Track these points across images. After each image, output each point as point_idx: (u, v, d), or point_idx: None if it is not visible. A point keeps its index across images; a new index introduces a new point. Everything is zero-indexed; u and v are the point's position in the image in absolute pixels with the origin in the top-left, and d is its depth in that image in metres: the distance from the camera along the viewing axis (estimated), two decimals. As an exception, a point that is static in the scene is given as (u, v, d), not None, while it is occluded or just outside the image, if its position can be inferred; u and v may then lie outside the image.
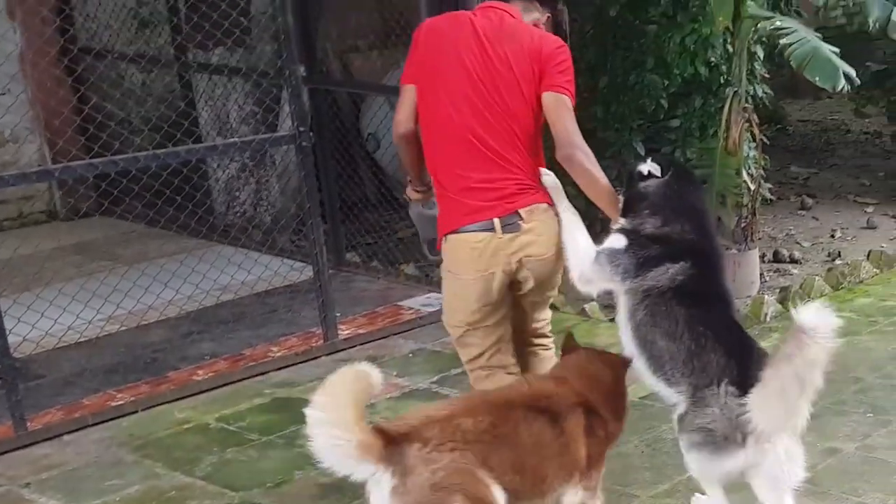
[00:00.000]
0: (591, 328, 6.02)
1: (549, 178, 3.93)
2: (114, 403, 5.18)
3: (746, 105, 6.52)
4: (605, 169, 6.05)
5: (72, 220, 8.08)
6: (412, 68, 3.92)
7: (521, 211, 3.84)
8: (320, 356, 5.66)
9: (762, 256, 7.28)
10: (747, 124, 6.55)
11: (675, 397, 3.74)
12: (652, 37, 6.98)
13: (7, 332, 4.78)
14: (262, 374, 5.48)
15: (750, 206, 6.66)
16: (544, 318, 4.25)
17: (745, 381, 3.57)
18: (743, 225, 6.67)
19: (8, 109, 6.85)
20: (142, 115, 7.64)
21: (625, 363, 3.76)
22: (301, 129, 5.53)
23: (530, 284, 3.96)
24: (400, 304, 6.33)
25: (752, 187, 6.68)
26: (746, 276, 6.69)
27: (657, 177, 3.88)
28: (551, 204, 3.93)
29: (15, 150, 7.77)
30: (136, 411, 5.14)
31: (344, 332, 5.85)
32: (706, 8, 6.52)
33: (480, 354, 4.01)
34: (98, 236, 7.77)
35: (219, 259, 6.48)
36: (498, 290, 3.90)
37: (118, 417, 5.09)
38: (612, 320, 6.13)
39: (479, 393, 3.87)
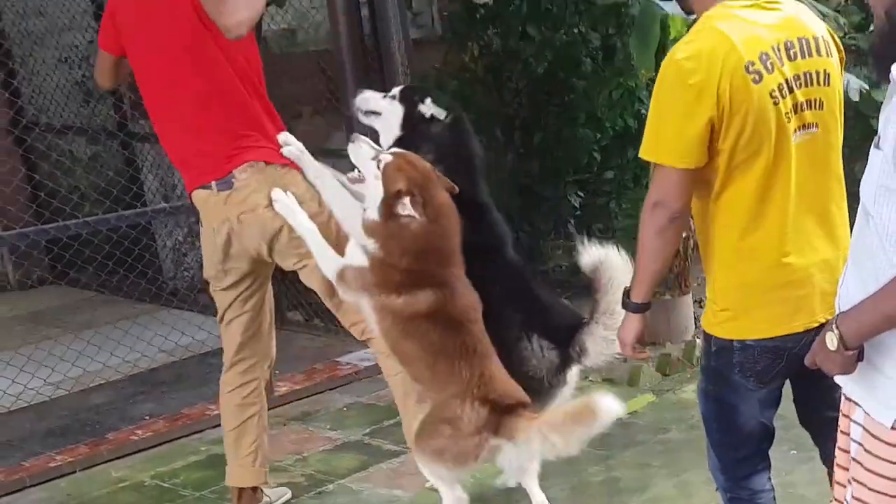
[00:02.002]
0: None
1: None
2: (53, 465, 5.29)
3: (675, 155, 6.69)
4: (541, 222, 6.23)
5: (23, 290, 8.20)
6: None
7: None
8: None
9: (697, 301, 7.42)
10: (679, 174, 6.70)
11: None
12: (582, 92, 7.19)
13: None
14: (199, 431, 5.59)
15: (682, 252, 6.82)
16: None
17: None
18: (676, 271, 6.82)
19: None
20: (90, 183, 7.80)
21: None
22: None
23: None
24: (338, 359, 6.46)
25: (684, 234, 6.83)
26: (680, 321, 6.83)
27: (439, 120, 4.18)
28: (269, 161, 4.17)
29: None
30: (75, 472, 5.25)
31: (280, 388, 5.96)
32: (630, 62, 6.74)
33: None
34: (49, 305, 7.90)
35: (163, 324, 6.66)
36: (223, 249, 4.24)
37: (57, 478, 5.20)
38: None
39: None
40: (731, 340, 3.17)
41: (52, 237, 5.64)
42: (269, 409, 5.75)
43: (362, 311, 4.09)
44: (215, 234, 4.27)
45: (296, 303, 7.33)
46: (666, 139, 3.02)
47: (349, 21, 5.83)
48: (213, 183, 4.17)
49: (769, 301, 3.11)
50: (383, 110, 4.47)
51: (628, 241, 6.74)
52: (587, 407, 3.77)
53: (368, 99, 4.54)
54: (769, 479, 3.44)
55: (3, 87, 7.71)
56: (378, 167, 3.83)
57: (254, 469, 4.54)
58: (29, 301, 8.00)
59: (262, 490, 4.61)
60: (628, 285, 3.30)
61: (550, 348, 4.38)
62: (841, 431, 2.70)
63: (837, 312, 2.53)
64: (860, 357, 2.48)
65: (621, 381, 6.27)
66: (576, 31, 7.14)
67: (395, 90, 4.50)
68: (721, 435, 3.39)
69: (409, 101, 4.42)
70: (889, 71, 2.42)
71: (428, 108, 4.16)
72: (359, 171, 3.95)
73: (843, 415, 2.67)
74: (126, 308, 7.34)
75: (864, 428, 2.54)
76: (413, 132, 4.29)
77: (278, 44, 8.41)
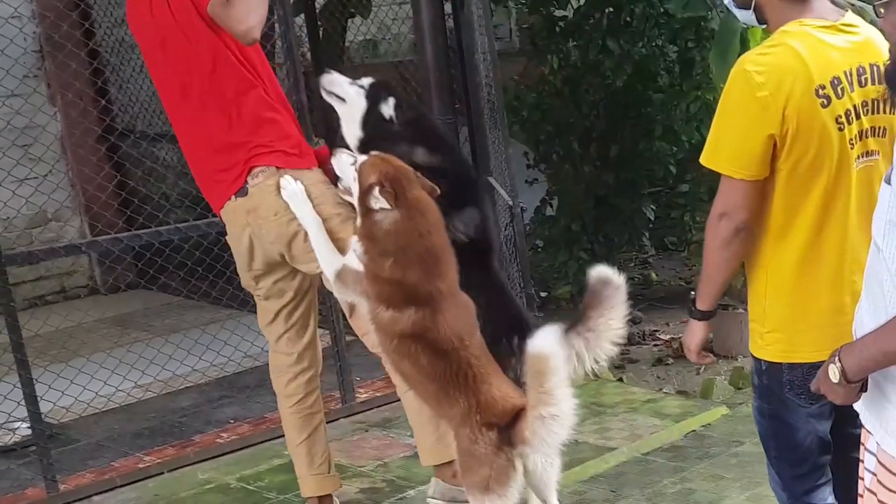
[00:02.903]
0: (598, 387, 6.20)
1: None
2: (141, 466, 5.44)
3: (751, 168, 6.72)
4: (616, 234, 6.27)
5: (111, 294, 8.42)
6: None
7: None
8: (339, 418, 5.87)
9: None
10: (752, 187, 6.73)
11: None
12: (659, 105, 7.25)
13: (40, 399, 5.09)
14: (282, 436, 5.68)
15: (756, 264, 6.83)
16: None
17: None
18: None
19: (51, 190, 7.27)
20: (181, 190, 7.99)
21: None
22: None
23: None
24: (418, 366, 6.53)
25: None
26: (755, 334, 6.85)
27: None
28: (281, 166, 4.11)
29: (58, 229, 8.14)
30: (162, 473, 5.38)
31: (362, 395, 6.09)
32: (709, 76, 6.77)
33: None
34: (136, 308, 8.09)
35: (249, 329, 6.71)
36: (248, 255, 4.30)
37: (145, 479, 5.34)
38: (621, 380, 6.37)
39: None
40: (781, 363, 3.20)
41: (144, 243, 5.80)
42: (352, 415, 5.93)
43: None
44: (238, 240, 4.30)
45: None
46: (726, 148, 3.06)
47: (434, 32, 5.93)
48: (233, 196, 4.19)
49: (820, 324, 3.12)
50: (348, 98, 4.33)
51: (700, 255, 6.84)
52: (533, 358, 3.59)
53: (335, 81, 4.37)
54: (830, 492, 3.42)
55: (98, 95, 7.88)
56: (354, 167, 3.80)
57: (330, 476, 4.64)
58: (117, 305, 8.21)
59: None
60: (694, 293, 3.32)
61: None
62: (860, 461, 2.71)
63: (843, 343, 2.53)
64: (864, 388, 2.52)
65: (694, 393, 6.33)
66: (654, 44, 7.19)
67: (365, 81, 4.34)
68: (779, 452, 3.40)
69: (375, 97, 4.30)
70: None
71: (388, 108, 4.11)
72: (344, 184, 3.92)
73: (860, 443, 2.68)
74: (212, 313, 7.49)
75: (877, 458, 2.55)
76: (374, 129, 4.22)
77: (360, 54, 8.54)
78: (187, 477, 5.35)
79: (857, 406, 2.61)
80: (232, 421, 5.95)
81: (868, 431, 2.60)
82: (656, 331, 7.42)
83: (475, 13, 5.57)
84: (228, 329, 6.71)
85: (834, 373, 2.49)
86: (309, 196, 4.07)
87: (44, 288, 8.29)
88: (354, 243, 3.82)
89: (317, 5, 7.42)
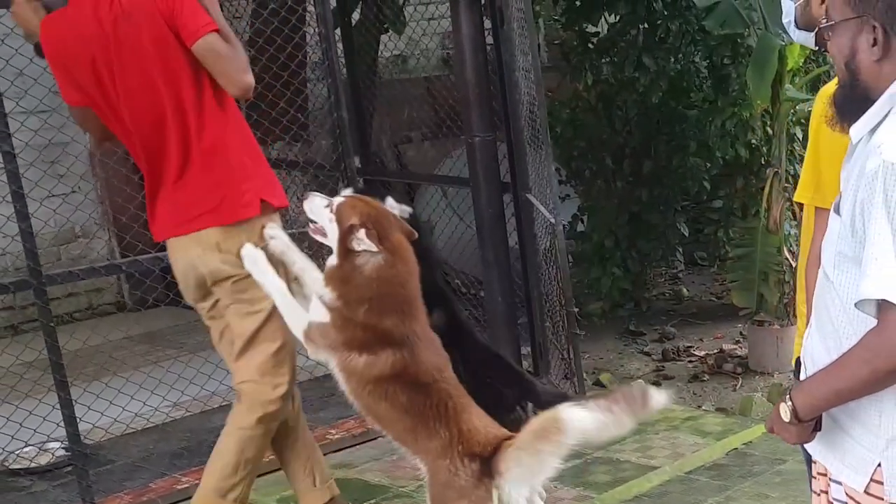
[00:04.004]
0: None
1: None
2: (179, 487, 5.37)
3: (787, 185, 6.71)
4: (649, 250, 6.17)
5: (139, 311, 8.38)
6: None
7: None
8: (377, 437, 5.80)
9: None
10: (788, 203, 6.73)
11: None
12: (693, 121, 7.23)
13: (78, 420, 5.04)
14: (323, 455, 5.67)
15: (792, 282, 6.81)
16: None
17: None
18: (785, 301, 6.82)
19: (78, 206, 7.23)
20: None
21: None
22: None
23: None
24: (454, 386, 6.50)
25: (794, 264, 6.83)
26: (789, 350, 6.81)
27: None
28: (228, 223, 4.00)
29: (84, 245, 8.10)
30: (201, 494, 5.36)
31: (399, 414, 6.03)
32: (745, 92, 6.76)
33: None
34: (164, 325, 8.06)
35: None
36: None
37: (184, 500, 5.27)
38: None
39: None
40: None
41: (165, 265, 5.76)
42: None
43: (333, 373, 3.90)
44: (177, 262, 4.20)
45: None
46: (828, 183, 2.96)
47: (474, 49, 5.91)
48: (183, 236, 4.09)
49: None
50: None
51: (735, 270, 6.82)
52: (553, 420, 3.57)
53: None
54: None
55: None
56: (332, 210, 3.70)
57: (317, 489, 4.59)
58: (145, 322, 8.16)
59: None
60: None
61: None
62: (819, 492, 2.69)
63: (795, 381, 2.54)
64: (818, 427, 2.49)
65: (733, 410, 6.30)
66: (690, 60, 7.17)
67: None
68: None
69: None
70: (848, 124, 2.42)
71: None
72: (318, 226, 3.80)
73: (819, 474, 2.66)
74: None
75: (846, 492, 2.53)
76: None
77: (389, 70, 8.53)
78: (226, 497, 5.31)
79: (809, 445, 2.59)
80: (270, 441, 5.89)
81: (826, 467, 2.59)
82: (690, 347, 7.40)
83: (516, 30, 5.54)
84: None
85: (785, 412, 2.47)
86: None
87: (73, 305, 8.26)
88: (322, 290, 3.72)
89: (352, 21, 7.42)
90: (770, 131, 6.89)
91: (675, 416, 5.92)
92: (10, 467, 5.58)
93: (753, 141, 7.11)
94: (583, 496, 5.07)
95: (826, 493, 2.62)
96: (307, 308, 3.87)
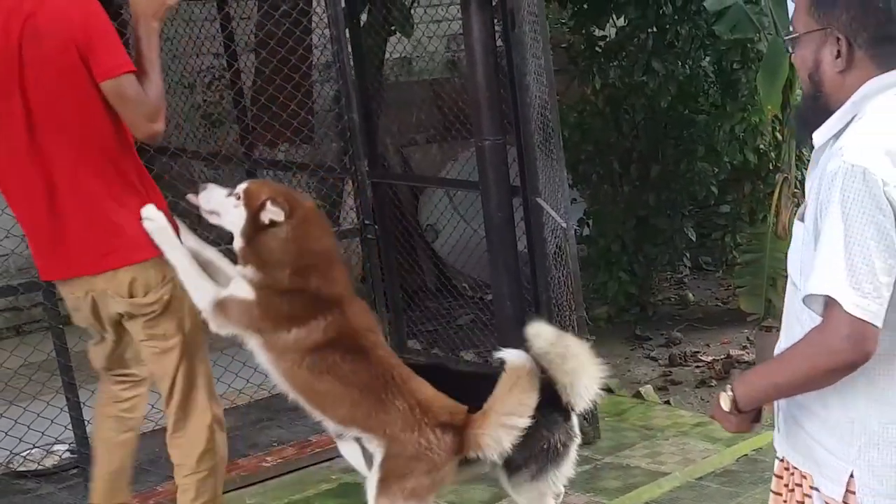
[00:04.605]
0: (646, 410, 6.13)
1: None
2: (184, 491, 5.37)
3: (796, 190, 6.68)
4: (656, 254, 6.14)
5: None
6: None
7: None
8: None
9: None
10: (796, 209, 6.69)
11: None
12: (702, 126, 7.21)
13: (86, 423, 5.00)
14: (329, 459, 5.63)
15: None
16: None
17: None
18: (797, 307, 6.78)
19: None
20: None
21: None
22: (366, 222, 5.71)
23: None
24: (462, 388, 6.47)
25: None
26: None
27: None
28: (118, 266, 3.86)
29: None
30: (208, 497, 5.32)
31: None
32: (755, 97, 6.74)
33: None
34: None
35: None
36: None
37: (191, 504, 5.27)
38: (668, 403, 6.30)
39: None
40: None
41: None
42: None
43: (251, 349, 3.91)
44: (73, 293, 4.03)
45: (415, 331, 7.41)
46: None
47: (485, 52, 5.89)
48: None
49: None
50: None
51: (743, 275, 6.80)
52: (518, 373, 3.71)
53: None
54: None
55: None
56: (238, 196, 3.77)
57: None
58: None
59: None
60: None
61: (550, 408, 4.20)
62: (784, 487, 2.72)
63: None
64: (757, 419, 2.56)
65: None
66: (699, 65, 7.16)
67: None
68: None
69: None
70: (812, 134, 2.46)
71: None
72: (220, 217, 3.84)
73: (785, 469, 2.69)
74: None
75: (826, 501, 2.56)
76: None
77: (394, 72, 8.51)
78: (234, 502, 5.28)
79: (780, 448, 2.67)
80: (276, 444, 5.87)
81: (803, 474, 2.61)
82: (697, 352, 7.38)
83: (528, 33, 5.51)
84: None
85: (726, 401, 2.53)
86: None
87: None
88: (243, 269, 3.78)
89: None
90: (779, 136, 6.87)
91: (684, 422, 5.90)
92: (17, 470, 5.54)
93: (762, 146, 7.10)
94: (593, 502, 5.07)
95: (792, 490, 2.65)
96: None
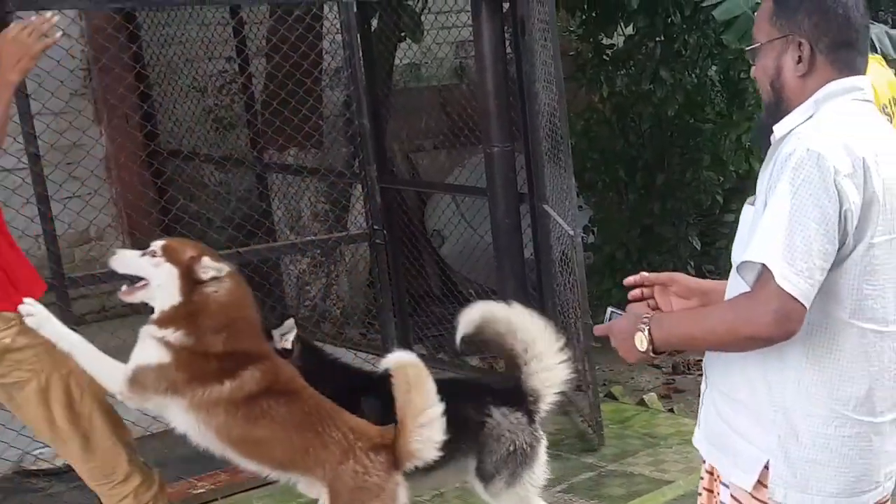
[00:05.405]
0: (649, 418, 6.16)
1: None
2: (195, 491, 5.38)
3: (801, 201, 6.71)
4: (660, 263, 6.16)
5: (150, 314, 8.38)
6: None
7: None
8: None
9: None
10: (801, 219, 6.72)
11: None
12: (708, 135, 7.25)
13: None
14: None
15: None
16: None
17: None
18: (796, 315, 6.81)
19: (95, 210, 7.27)
20: (223, 214, 8.01)
21: None
22: (375, 227, 5.71)
23: None
24: (468, 392, 6.49)
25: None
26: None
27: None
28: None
29: (100, 248, 8.10)
30: (216, 499, 5.33)
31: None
32: (761, 106, 6.76)
33: None
34: (178, 330, 8.04)
35: (293, 351, 6.67)
36: None
37: (199, 505, 5.31)
38: (671, 410, 6.33)
39: None
40: None
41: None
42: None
43: (166, 417, 3.77)
44: None
45: (420, 336, 7.45)
46: None
47: (495, 59, 5.93)
48: None
49: None
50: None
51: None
52: (408, 371, 3.66)
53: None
54: None
55: (144, 117, 7.88)
56: (154, 255, 3.61)
57: None
58: (157, 325, 8.14)
59: None
60: None
61: (512, 410, 4.26)
62: (704, 489, 2.74)
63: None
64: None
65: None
66: (706, 74, 7.19)
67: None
68: None
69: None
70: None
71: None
72: (128, 285, 3.71)
73: (707, 472, 2.71)
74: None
75: (731, 493, 2.58)
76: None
77: (402, 78, 8.55)
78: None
79: (697, 443, 2.69)
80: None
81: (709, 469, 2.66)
82: (700, 360, 7.37)
83: (538, 41, 5.56)
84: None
85: (642, 342, 2.50)
86: None
87: (85, 307, 8.24)
88: (165, 333, 3.60)
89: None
90: (785, 146, 6.90)
91: (688, 430, 5.88)
92: (28, 468, 5.57)
93: (768, 155, 7.12)
94: (598, 509, 5.08)
95: (711, 491, 2.68)
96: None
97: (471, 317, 4.29)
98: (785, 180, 2.31)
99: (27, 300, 3.68)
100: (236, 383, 3.63)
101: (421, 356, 6.96)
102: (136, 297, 3.69)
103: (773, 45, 2.50)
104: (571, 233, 5.43)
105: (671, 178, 7.41)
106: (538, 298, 6.33)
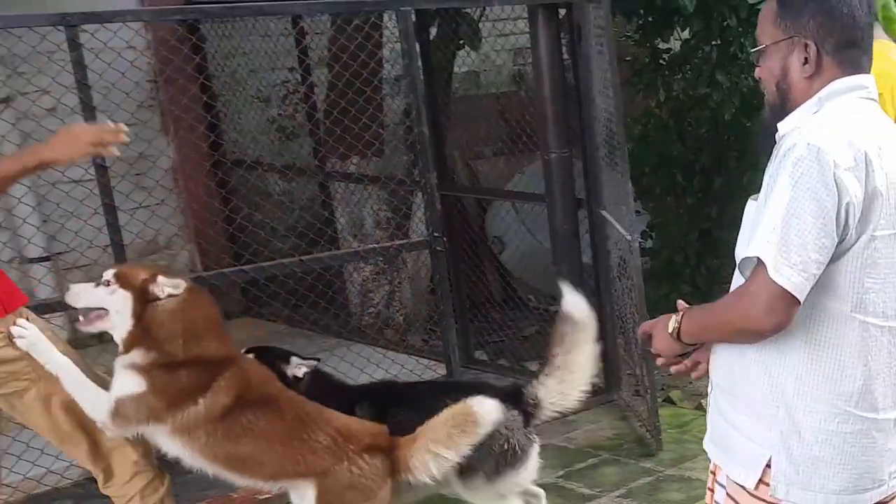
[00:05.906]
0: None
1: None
2: (260, 497, 5.39)
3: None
4: (719, 267, 6.14)
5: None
6: None
7: None
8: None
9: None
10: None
11: None
12: (766, 138, 7.21)
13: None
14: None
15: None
16: None
17: None
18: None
19: (163, 219, 7.42)
20: (286, 222, 8.13)
21: None
22: (435, 234, 5.74)
23: None
24: (529, 400, 6.52)
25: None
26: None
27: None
28: None
29: (169, 257, 8.24)
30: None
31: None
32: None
33: None
34: (243, 336, 8.14)
35: (357, 358, 6.73)
36: None
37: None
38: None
39: None
40: None
41: (250, 278, 5.84)
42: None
43: (157, 444, 3.83)
44: None
45: (481, 341, 7.49)
46: None
47: (552, 66, 5.98)
48: None
49: None
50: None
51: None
52: (467, 413, 3.68)
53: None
54: None
55: (209, 127, 8.00)
56: (108, 284, 3.68)
57: None
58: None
59: None
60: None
61: (509, 408, 4.21)
62: (708, 489, 2.76)
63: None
64: (686, 356, 2.63)
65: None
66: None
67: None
68: None
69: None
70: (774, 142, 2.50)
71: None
72: (85, 314, 3.75)
73: (711, 472, 2.73)
74: (317, 342, 7.55)
75: (727, 490, 2.59)
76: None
77: (461, 85, 8.62)
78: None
79: (705, 445, 2.71)
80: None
81: (718, 465, 2.67)
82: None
83: (594, 46, 5.61)
84: (337, 356, 6.71)
85: (673, 325, 2.57)
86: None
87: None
88: (127, 358, 3.69)
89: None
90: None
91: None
92: (38, 482, 5.44)
93: (826, 157, 7.08)
94: (656, 514, 5.10)
95: (713, 490, 2.70)
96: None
97: (577, 301, 4.30)
98: (785, 174, 2.34)
99: (20, 322, 3.73)
100: (209, 399, 3.68)
101: (481, 362, 7.16)
102: (96, 327, 3.76)
103: (779, 47, 2.51)
104: (629, 238, 5.46)
105: (729, 182, 7.39)
106: (596, 304, 6.35)
